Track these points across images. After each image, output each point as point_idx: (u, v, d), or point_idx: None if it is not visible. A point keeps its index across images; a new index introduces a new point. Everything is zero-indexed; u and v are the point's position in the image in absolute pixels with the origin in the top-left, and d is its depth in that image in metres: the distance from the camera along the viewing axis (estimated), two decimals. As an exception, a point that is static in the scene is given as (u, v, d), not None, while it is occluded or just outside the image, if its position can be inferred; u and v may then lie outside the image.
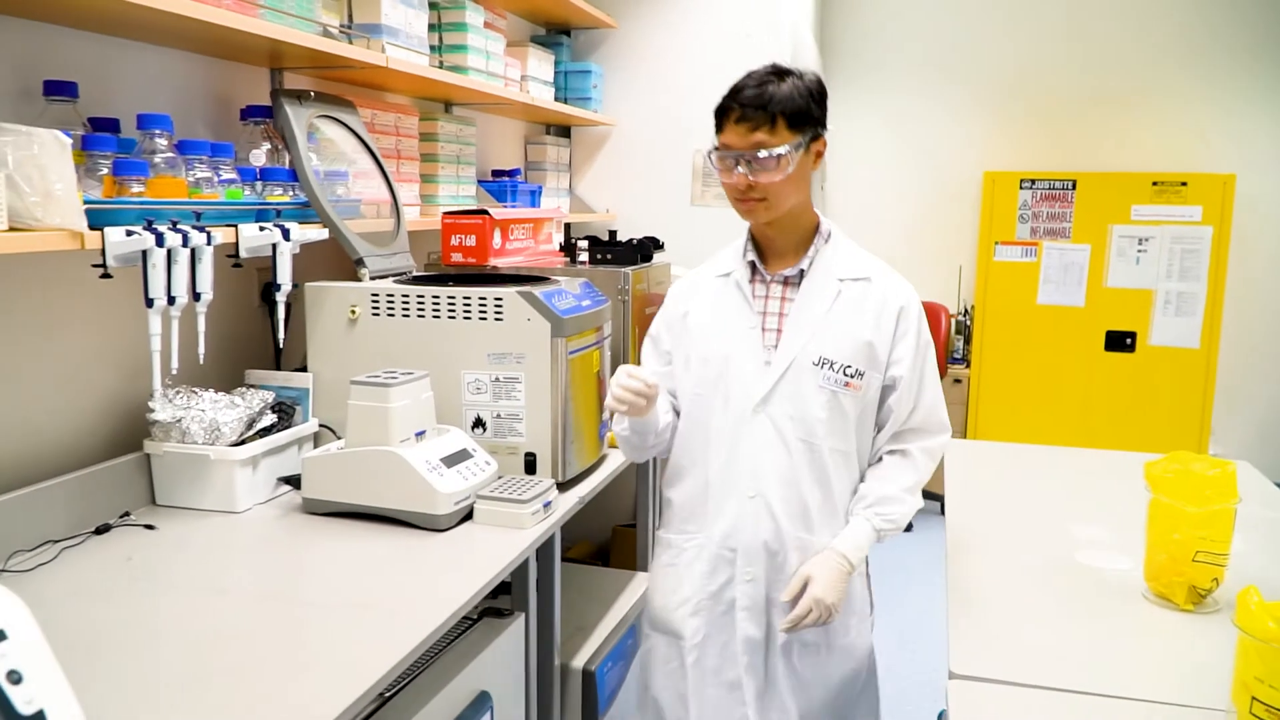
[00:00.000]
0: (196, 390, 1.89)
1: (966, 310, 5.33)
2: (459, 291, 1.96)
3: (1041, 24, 5.12)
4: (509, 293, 1.93)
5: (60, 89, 1.63)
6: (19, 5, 1.59)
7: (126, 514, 1.79)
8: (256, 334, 2.26)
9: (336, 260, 2.31)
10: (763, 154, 1.58)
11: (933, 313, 4.97)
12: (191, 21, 1.67)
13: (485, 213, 2.39)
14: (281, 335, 1.97)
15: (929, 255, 5.40)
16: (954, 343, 5.27)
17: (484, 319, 1.94)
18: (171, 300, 1.60)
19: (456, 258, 2.42)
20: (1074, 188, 4.86)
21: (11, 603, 0.86)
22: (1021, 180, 4.92)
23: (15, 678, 0.81)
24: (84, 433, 1.82)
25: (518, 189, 3.23)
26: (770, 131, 1.58)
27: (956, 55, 5.28)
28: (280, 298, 1.92)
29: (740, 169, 1.60)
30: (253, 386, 2.03)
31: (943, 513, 4.91)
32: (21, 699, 0.81)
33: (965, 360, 5.25)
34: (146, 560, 1.59)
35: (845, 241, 1.75)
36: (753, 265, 1.75)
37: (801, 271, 1.70)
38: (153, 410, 1.81)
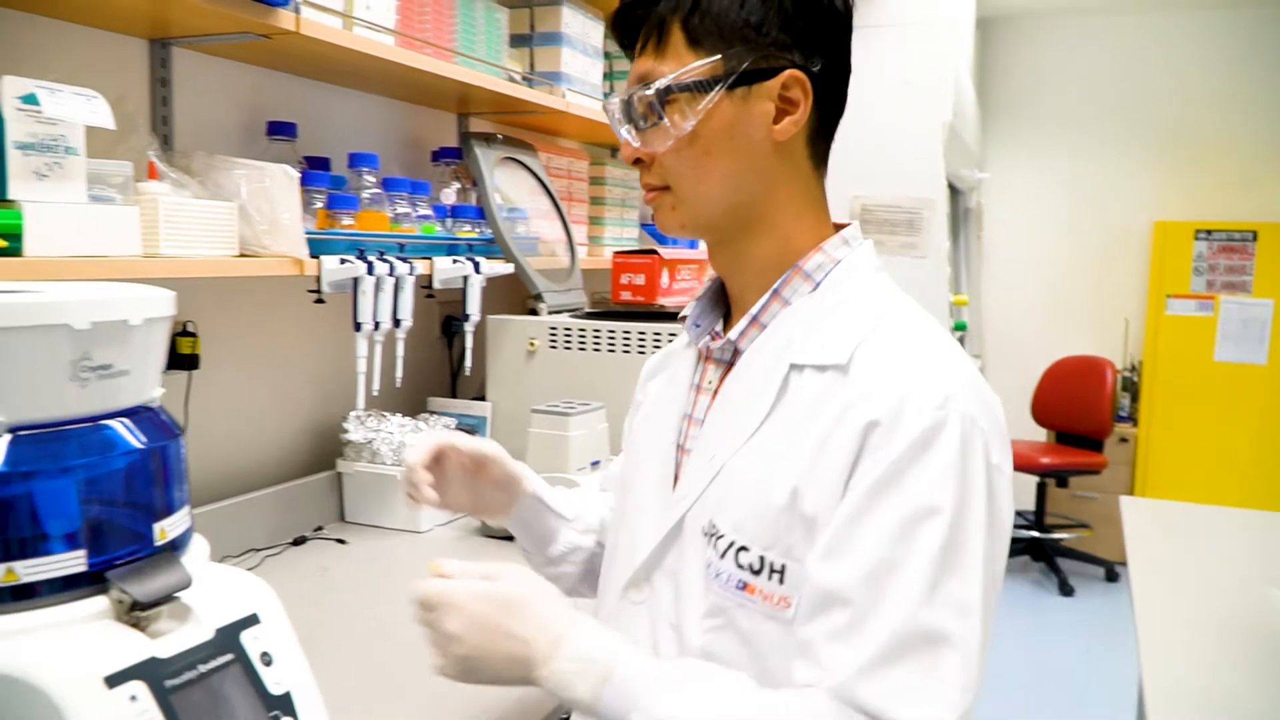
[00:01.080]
0: (385, 414, 1.99)
1: (1134, 366, 5.10)
2: (633, 326, 2.02)
3: (1213, 62, 4.92)
4: (679, 329, 1.96)
5: (282, 129, 1.77)
6: (251, 54, 1.74)
7: (320, 528, 1.89)
8: (435, 363, 2.37)
9: (507, 294, 2.41)
10: (638, 93, 0.90)
11: (1096, 368, 4.78)
12: (398, 67, 1.79)
13: (655, 253, 2.45)
14: (469, 364, 2.06)
15: (1093, 308, 5.21)
16: (1120, 400, 5.05)
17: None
18: (376, 326, 1.70)
19: (626, 295, 2.48)
20: (1255, 239, 4.62)
21: (264, 590, 0.92)
22: (1197, 231, 4.72)
23: (267, 659, 0.87)
24: (286, 449, 1.94)
25: (679, 232, 3.28)
26: (657, 50, 0.90)
27: (1122, 98, 5.12)
28: (469, 328, 2.01)
29: (624, 131, 0.93)
30: (435, 413, 2.12)
31: (1109, 579, 4.70)
32: (272, 680, 0.86)
33: (1132, 418, 5.02)
34: (341, 572, 1.68)
35: (857, 285, 0.92)
36: (702, 324, 1.01)
37: (733, 347, 0.95)
38: (346, 431, 1.92)
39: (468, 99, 2.29)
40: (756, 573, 0.85)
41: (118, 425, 0.85)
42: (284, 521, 1.83)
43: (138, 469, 0.87)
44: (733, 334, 0.94)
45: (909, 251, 3.63)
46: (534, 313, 2.28)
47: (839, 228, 0.96)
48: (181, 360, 1.65)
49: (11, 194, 1.21)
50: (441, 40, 1.95)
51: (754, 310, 0.92)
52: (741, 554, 0.86)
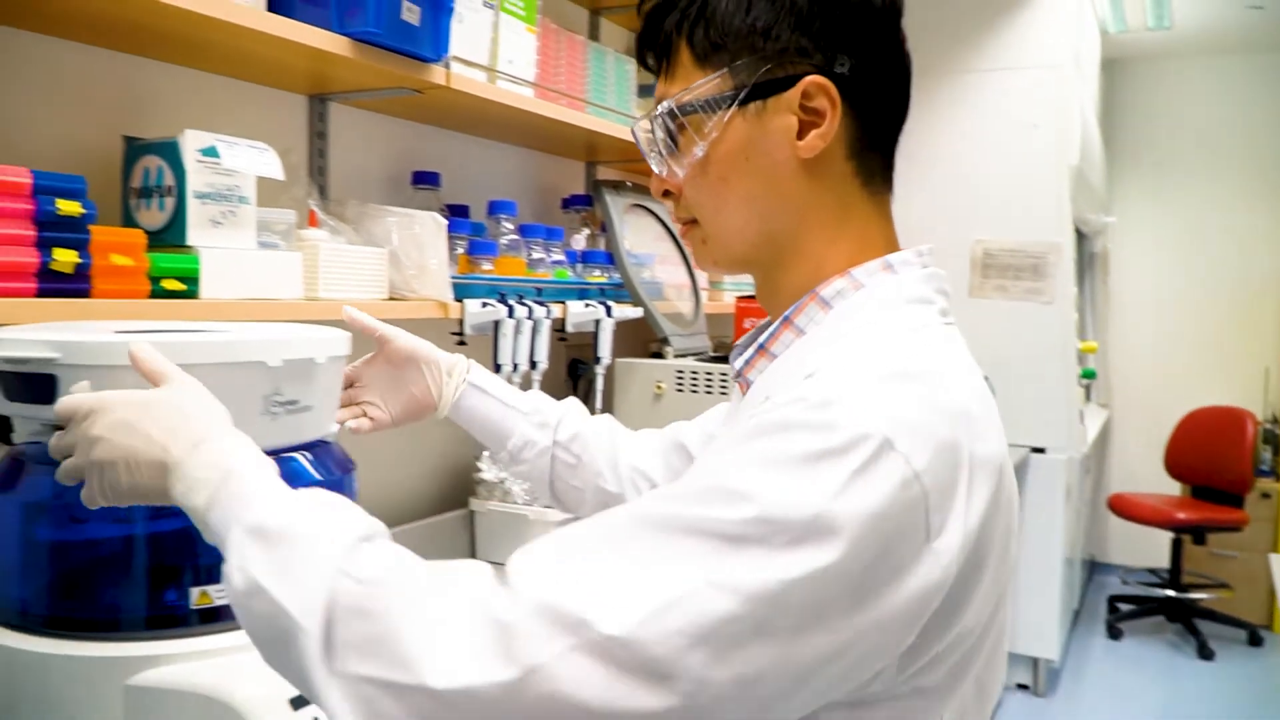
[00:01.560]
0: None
1: (1275, 418, 4.85)
2: (761, 370, 2.02)
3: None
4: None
5: (426, 178, 1.85)
6: (400, 108, 1.83)
7: (453, 565, 1.93)
8: (562, 406, 2.41)
9: (630, 338, 2.44)
10: (654, 116, 0.82)
11: (1236, 420, 4.56)
12: (535, 117, 1.86)
13: (780, 297, 2.46)
14: (599, 405, 2.09)
15: (1229, 357, 4.99)
16: (1260, 453, 4.80)
17: (786, 398, 1.98)
18: (514, 367, 1.74)
19: (750, 340, 2.49)
20: None
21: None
22: (1342, 276, 4.48)
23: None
24: (420, 487, 2.00)
25: (798, 277, 3.28)
26: (667, 71, 0.83)
27: (1255, 140, 4.93)
28: (600, 370, 2.04)
29: (652, 161, 0.84)
30: (563, 454, 2.16)
31: (1252, 643, 4.44)
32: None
33: (1274, 473, 4.76)
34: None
35: (871, 313, 0.77)
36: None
37: (743, 379, 0.85)
38: (480, 470, 1.96)
39: (596, 147, 2.36)
40: None
41: (301, 458, 0.89)
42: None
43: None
44: (739, 363, 0.84)
45: (1034, 297, 3.55)
46: (658, 356, 2.30)
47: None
48: (330, 399, 1.72)
49: (190, 240, 1.29)
50: (574, 91, 2.01)
51: (762, 339, 0.81)
52: None
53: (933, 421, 0.65)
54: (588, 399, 2.45)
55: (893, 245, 0.82)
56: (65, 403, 0.76)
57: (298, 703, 0.78)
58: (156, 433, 0.73)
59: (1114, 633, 4.47)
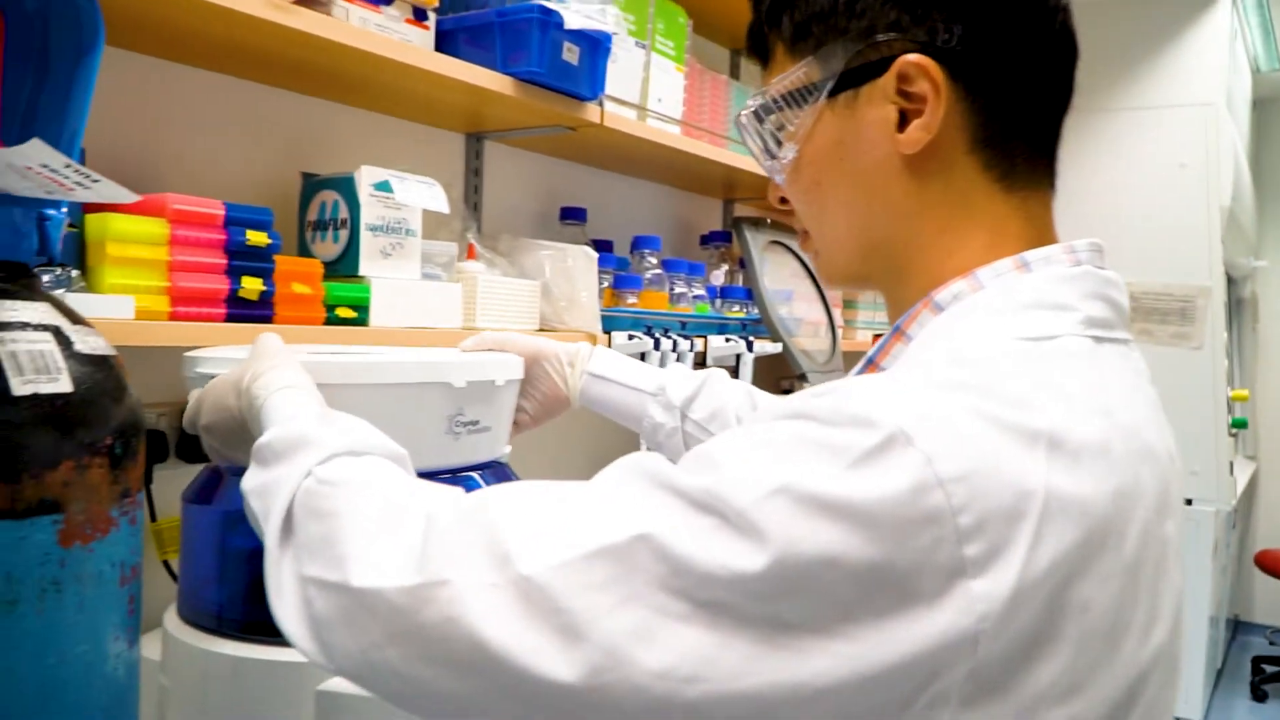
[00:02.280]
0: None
1: None
2: (902, 410, 1.99)
3: None
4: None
5: (574, 214, 1.89)
6: (550, 146, 1.88)
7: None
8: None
9: (762, 374, 2.44)
10: (742, 114, 0.73)
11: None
12: (679, 154, 1.89)
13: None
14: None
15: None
16: None
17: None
18: (658, 399, 1.76)
19: (886, 379, 2.46)
20: None
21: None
22: None
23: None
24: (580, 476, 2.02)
25: (931, 317, 3.23)
26: (765, 68, 0.75)
27: None
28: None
29: (764, 165, 0.75)
30: (697, 489, 2.16)
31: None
32: None
33: None
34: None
35: (979, 319, 0.64)
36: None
37: (874, 367, 0.77)
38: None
39: (734, 184, 2.38)
40: None
41: (478, 477, 0.92)
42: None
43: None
44: (871, 350, 0.73)
45: (1181, 342, 3.40)
46: (788, 393, 2.29)
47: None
48: (478, 427, 1.76)
49: (362, 270, 1.35)
50: (717, 129, 2.04)
51: (872, 352, 0.70)
52: None
53: (980, 430, 0.51)
54: (720, 435, 2.45)
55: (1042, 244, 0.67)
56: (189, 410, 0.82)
57: (478, 716, 0.80)
58: (228, 396, 0.76)
59: (1258, 695, 4.24)
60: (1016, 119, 0.66)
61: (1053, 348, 0.60)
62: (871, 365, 0.69)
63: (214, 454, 0.81)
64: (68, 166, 0.53)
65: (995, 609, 0.49)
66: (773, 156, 0.71)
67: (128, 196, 0.56)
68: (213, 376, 0.81)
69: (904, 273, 0.68)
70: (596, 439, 2.07)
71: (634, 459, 0.56)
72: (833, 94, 0.67)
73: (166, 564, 1.26)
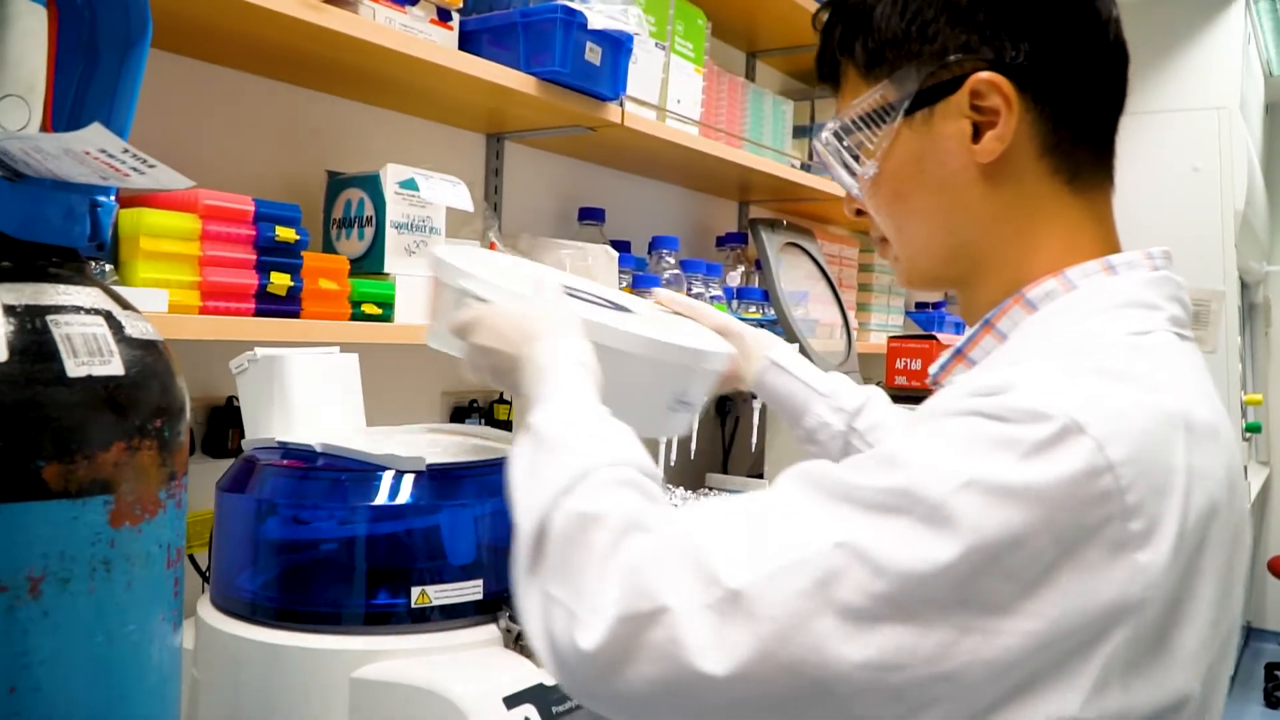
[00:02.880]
0: (670, 486, 2.05)
1: None
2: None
3: None
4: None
5: (592, 214, 1.90)
6: (569, 146, 1.90)
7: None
8: (708, 440, 2.42)
9: (785, 378, 2.44)
10: (824, 135, 0.78)
11: None
12: (696, 155, 1.90)
13: (933, 337, 2.43)
14: (754, 441, 2.10)
15: None
16: None
17: (945, 438, 1.95)
18: (677, 398, 1.77)
19: (900, 380, 2.46)
20: None
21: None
22: None
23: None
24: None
25: (944, 320, 3.23)
26: (837, 90, 0.79)
27: None
28: (756, 405, 2.05)
29: (840, 178, 0.80)
30: (713, 489, 2.16)
31: None
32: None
33: None
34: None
35: (1081, 316, 0.69)
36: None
37: (938, 387, 0.76)
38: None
39: (750, 186, 2.39)
40: None
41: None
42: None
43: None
44: (934, 368, 0.78)
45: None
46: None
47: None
48: (497, 426, 1.77)
49: (387, 268, 1.36)
50: (734, 130, 2.05)
51: (960, 344, 0.75)
52: None
53: (1139, 416, 0.57)
54: (734, 435, 2.46)
55: (1112, 246, 0.73)
56: (461, 316, 0.84)
57: (511, 701, 0.81)
58: (511, 331, 0.80)
59: (1272, 701, 4.22)
60: (1080, 124, 0.72)
61: (1153, 341, 0.66)
62: (959, 356, 0.75)
63: (471, 368, 0.84)
64: (125, 151, 0.54)
65: (1155, 578, 0.55)
66: (853, 174, 0.76)
67: (183, 182, 0.57)
68: (479, 299, 0.83)
69: (985, 273, 0.74)
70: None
71: (806, 469, 0.61)
72: (909, 112, 0.72)
73: (193, 558, 1.27)
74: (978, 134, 0.70)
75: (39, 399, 0.56)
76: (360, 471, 0.90)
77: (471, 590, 0.88)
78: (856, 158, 0.76)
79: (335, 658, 0.84)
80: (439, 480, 0.89)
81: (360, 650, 0.84)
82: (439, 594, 0.87)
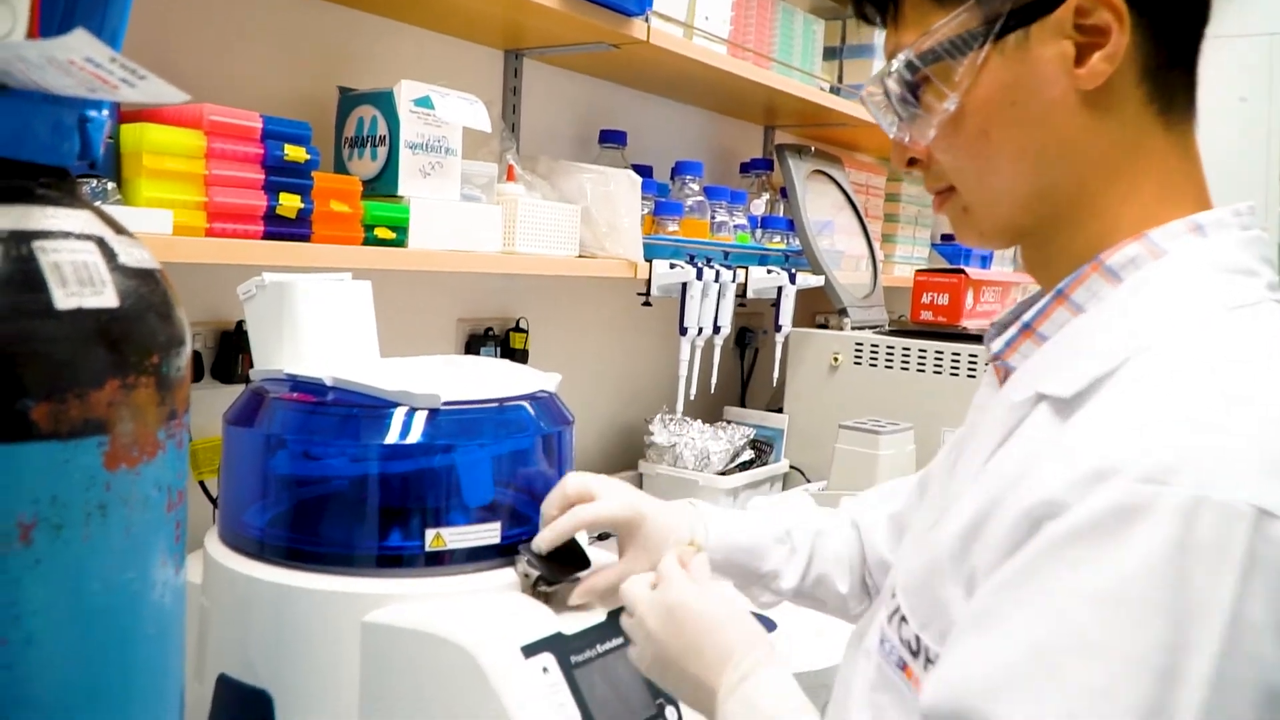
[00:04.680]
0: (687, 419, 2.01)
1: None
2: (945, 346, 1.94)
3: None
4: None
5: (614, 137, 1.83)
6: (591, 65, 1.82)
7: (621, 526, 1.94)
8: (728, 373, 2.38)
9: (796, 307, 2.39)
10: (883, 77, 0.69)
11: None
12: (721, 75, 1.82)
13: (961, 271, 2.36)
14: (775, 375, 2.05)
15: None
16: None
17: (972, 376, 1.90)
18: (700, 331, 1.72)
19: (926, 315, 2.40)
20: None
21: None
22: None
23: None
24: (592, 446, 2.00)
25: (970, 253, 3.16)
26: (894, 20, 0.70)
27: None
28: (779, 339, 2.00)
29: (888, 127, 0.71)
30: (731, 422, 2.13)
31: None
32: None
33: None
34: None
35: (1174, 289, 0.62)
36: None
37: (1001, 364, 0.71)
38: (652, 434, 1.95)
39: (775, 110, 2.30)
40: (914, 654, 0.65)
41: (528, 405, 0.89)
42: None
43: (544, 449, 0.91)
44: (996, 344, 0.70)
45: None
46: (824, 326, 2.25)
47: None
48: (513, 354, 1.73)
49: (401, 190, 1.31)
50: (763, 50, 1.96)
51: (1028, 317, 0.67)
52: (903, 625, 0.67)
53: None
54: (753, 369, 2.42)
55: (1203, 195, 0.66)
56: (625, 595, 0.79)
57: (529, 650, 0.78)
58: (709, 651, 0.74)
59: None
60: (1176, 43, 0.65)
61: (1258, 316, 0.59)
62: (1028, 331, 0.67)
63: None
64: (113, 61, 0.49)
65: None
66: (917, 115, 0.68)
67: (177, 96, 0.52)
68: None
69: (1066, 224, 0.67)
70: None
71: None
72: (999, 36, 0.64)
73: (203, 485, 1.24)
74: (1079, 57, 0.62)
75: (25, 333, 0.51)
76: (372, 407, 0.86)
77: (488, 534, 0.85)
78: (918, 95, 0.67)
79: (346, 601, 0.81)
80: (455, 418, 0.85)
81: (372, 594, 0.81)
82: (454, 536, 0.83)
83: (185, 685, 0.67)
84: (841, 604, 0.98)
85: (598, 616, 0.86)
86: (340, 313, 1.04)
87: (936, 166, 0.70)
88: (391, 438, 0.84)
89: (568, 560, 0.87)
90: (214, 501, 1.21)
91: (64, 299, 0.53)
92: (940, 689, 0.56)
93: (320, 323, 0.99)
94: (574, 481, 0.90)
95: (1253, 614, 0.48)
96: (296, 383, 0.90)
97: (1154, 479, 0.50)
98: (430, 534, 0.83)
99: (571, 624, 0.83)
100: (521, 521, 0.88)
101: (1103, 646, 0.50)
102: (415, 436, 0.84)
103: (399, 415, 0.85)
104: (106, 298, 0.55)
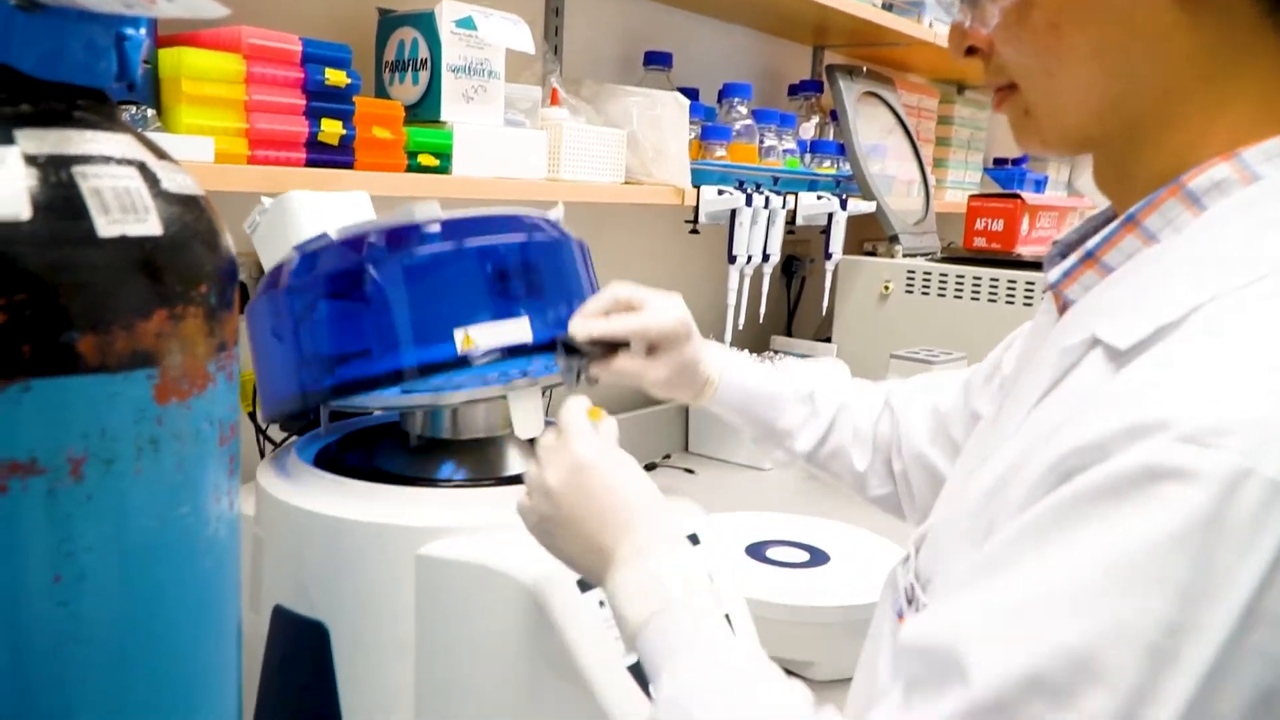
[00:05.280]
0: (734, 350, 1.98)
1: None
2: (1000, 274, 1.88)
3: None
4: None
5: (659, 59, 1.77)
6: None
7: (668, 456, 1.93)
8: (773, 301, 2.34)
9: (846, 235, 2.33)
10: None
11: None
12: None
13: (1017, 196, 2.29)
14: (824, 304, 2.01)
15: None
16: None
17: (1028, 305, 1.84)
18: (749, 259, 1.68)
19: (979, 241, 2.34)
20: None
21: (697, 508, 0.93)
22: None
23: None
24: (637, 377, 1.98)
25: (1025, 177, 3.06)
26: None
27: None
28: (829, 267, 1.95)
29: (955, 12, 0.65)
30: (779, 351, 2.10)
31: None
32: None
33: None
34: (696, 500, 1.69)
35: (1263, 221, 0.53)
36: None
37: (1058, 295, 0.64)
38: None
39: (825, 29, 2.22)
40: (909, 603, 0.64)
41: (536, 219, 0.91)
42: (635, 446, 1.85)
43: (561, 254, 0.91)
44: (1054, 273, 0.62)
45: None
46: (872, 254, 2.20)
47: None
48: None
49: (444, 115, 1.27)
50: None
51: (1092, 244, 0.59)
52: (908, 572, 0.65)
53: None
54: (800, 298, 2.37)
55: None
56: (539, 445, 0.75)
57: (585, 585, 0.77)
58: (611, 517, 0.69)
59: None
60: None
61: None
62: (1091, 260, 0.60)
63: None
64: (148, -28, 0.46)
65: None
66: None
67: (215, 10, 0.49)
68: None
69: (1144, 138, 0.58)
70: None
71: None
72: None
73: (252, 416, 1.23)
74: None
75: (68, 263, 0.49)
76: (372, 232, 0.84)
77: (517, 330, 0.82)
78: None
79: (401, 534, 0.80)
80: (461, 224, 0.84)
81: (427, 527, 0.80)
82: (483, 334, 0.81)
83: (242, 616, 0.66)
84: (859, 482, 0.96)
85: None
86: (340, 219, 1.02)
87: (998, 59, 0.62)
88: (404, 248, 0.81)
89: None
90: (264, 434, 1.21)
91: (106, 227, 0.51)
92: (919, 625, 0.52)
93: (321, 227, 0.96)
94: (623, 287, 0.88)
95: (1272, 606, 0.43)
96: (303, 249, 0.87)
97: (1198, 440, 0.44)
98: (459, 334, 0.80)
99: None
100: (546, 318, 0.86)
101: (1095, 612, 0.44)
102: (423, 245, 0.82)
103: (401, 228, 0.84)
104: (150, 225, 0.53)
